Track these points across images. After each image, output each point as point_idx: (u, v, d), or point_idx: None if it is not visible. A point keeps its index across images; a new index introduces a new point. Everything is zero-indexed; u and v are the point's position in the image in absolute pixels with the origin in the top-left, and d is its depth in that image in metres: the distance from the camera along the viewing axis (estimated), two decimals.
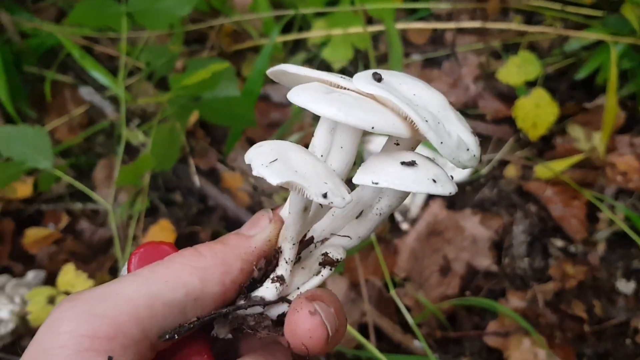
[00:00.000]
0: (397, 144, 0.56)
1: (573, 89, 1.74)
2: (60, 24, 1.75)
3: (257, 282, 0.57)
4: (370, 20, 1.80)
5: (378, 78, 0.53)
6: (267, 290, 0.56)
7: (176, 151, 1.44)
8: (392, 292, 1.28)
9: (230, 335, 0.56)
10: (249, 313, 0.56)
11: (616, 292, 1.41)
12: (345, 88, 0.53)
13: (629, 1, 1.52)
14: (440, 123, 0.51)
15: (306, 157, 0.52)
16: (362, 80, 0.52)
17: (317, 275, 0.58)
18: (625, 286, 1.42)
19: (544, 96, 1.57)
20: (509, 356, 1.30)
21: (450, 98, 1.75)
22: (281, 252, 0.57)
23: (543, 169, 1.55)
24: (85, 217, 1.57)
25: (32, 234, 1.50)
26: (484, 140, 1.68)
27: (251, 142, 1.70)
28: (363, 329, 1.33)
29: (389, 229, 1.54)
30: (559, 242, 1.50)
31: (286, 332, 0.53)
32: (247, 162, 0.50)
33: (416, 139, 0.55)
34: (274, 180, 0.47)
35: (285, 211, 0.59)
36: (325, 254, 0.58)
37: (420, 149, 0.58)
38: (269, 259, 0.58)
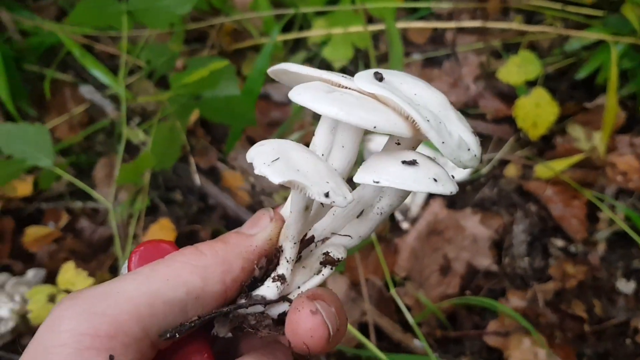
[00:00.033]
0: (398, 144, 0.56)
1: (573, 89, 1.74)
2: (61, 23, 1.75)
3: (258, 281, 0.57)
4: (370, 20, 1.80)
5: (379, 77, 0.53)
6: (268, 289, 0.56)
7: (176, 150, 1.43)
8: (393, 292, 1.28)
9: (230, 334, 0.56)
10: (249, 312, 0.56)
11: (616, 292, 1.41)
12: (346, 87, 0.53)
13: (630, 1, 1.52)
14: (442, 123, 0.51)
15: (308, 156, 0.52)
16: (364, 79, 0.52)
17: (317, 274, 0.58)
18: (626, 286, 1.42)
19: (545, 96, 1.57)
20: (509, 356, 1.30)
21: (451, 97, 1.75)
22: (282, 251, 0.57)
23: (543, 169, 1.55)
24: (86, 216, 1.57)
25: (32, 233, 1.50)
26: (485, 140, 1.68)
27: (251, 141, 1.70)
28: (363, 328, 1.33)
29: (389, 228, 1.54)
30: (559, 242, 1.50)
31: (287, 331, 0.53)
32: (248, 160, 0.50)
33: (417, 139, 0.55)
34: (276, 179, 0.47)
35: (286, 210, 0.59)
36: (327, 253, 0.58)
37: (420, 148, 0.58)
38: (270, 258, 0.58)
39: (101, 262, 1.46)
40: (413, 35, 1.89)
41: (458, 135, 0.52)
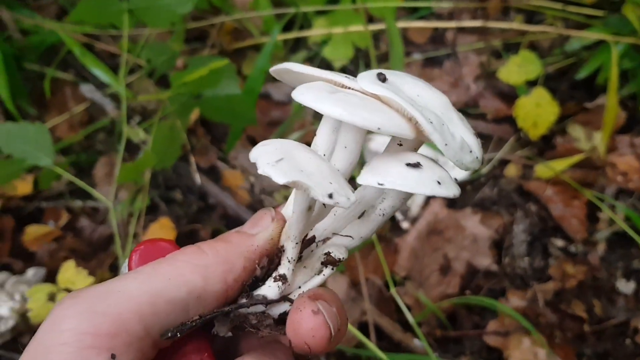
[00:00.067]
0: (400, 145, 0.56)
1: (574, 89, 1.74)
2: (61, 21, 1.75)
3: (259, 281, 0.57)
4: (371, 19, 1.79)
5: (382, 78, 0.53)
6: (270, 289, 0.56)
7: (177, 149, 1.43)
8: (393, 291, 1.28)
9: (230, 334, 0.56)
10: (251, 311, 0.56)
11: (616, 292, 1.41)
12: (349, 88, 0.53)
13: (630, 1, 1.52)
14: (445, 124, 0.51)
15: (311, 156, 0.52)
16: (367, 80, 0.52)
17: (318, 274, 0.58)
18: (625, 286, 1.42)
19: (545, 96, 1.57)
20: (509, 355, 1.30)
21: (451, 97, 1.76)
22: (284, 251, 0.57)
23: (543, 169, 1.55)
24: (86, 215, 1.57)
25: (32, 232, 1.50)
26: (485, 140, 1.68)
27: (252, 140, 1.70)
28: (363, 327, 1.33)
29: (390, 228, 1.54)
30: (559, 242, 1.50)
31: (288, 331, 0.53)
32: (252, 160, 0.50)
33: (419, 140, 0.55)
34: (280, 179, 0.47)
35: (287, 210, 0.59)
36: (328, 254, 0.58)
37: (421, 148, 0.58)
38: (271, 257, 0.58)
39: (101, 261, 1.46)
40: (413, 34, 1.89)
41: (460, 137, 0.52)
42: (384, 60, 1.81)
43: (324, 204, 0.57)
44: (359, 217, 0.59)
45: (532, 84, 1.67)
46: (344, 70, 1.80)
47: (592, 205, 1.52)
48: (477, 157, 0.53)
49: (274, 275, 0.57)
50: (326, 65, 1.78)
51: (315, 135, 0.59)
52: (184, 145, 1.63)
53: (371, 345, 1.15)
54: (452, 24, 1.85)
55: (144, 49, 1.58)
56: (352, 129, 0.54)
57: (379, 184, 0.50)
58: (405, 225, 1.55)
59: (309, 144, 0.57)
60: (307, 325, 0.52)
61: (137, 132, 1.59)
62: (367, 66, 1.80)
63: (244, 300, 0.56)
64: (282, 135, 1.57)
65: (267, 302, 0.56)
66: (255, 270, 0.56)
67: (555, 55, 1.77)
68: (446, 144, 0.50)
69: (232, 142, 1.54)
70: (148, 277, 0.51)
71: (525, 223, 1.52)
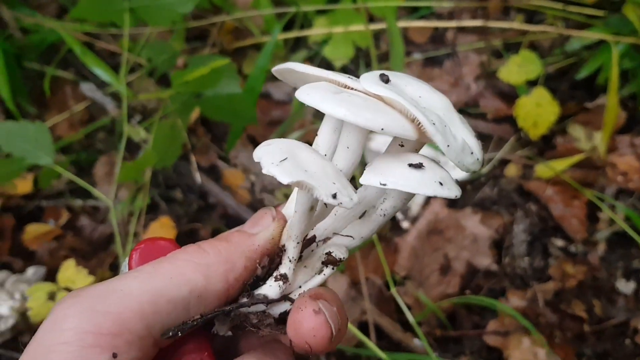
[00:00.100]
0: (402, 146, 0.56)
1: (574, 89, 1.74)
2: (62, 20, 1.75)
3: (260, 280, 0.57)
4: (371, 19, 1.79)
5: (385, 79, 0.53)
6: (270, 289, 0.56)
7: (177, 148, 1.43)
8: (393, 291, 1.28)
9: (230, 333, 0.56)
10: (251, 311, 0.56)
11: (616, 292, 1.41)
12: (352, 88, 0.53)
13: (631, 1, 1.52)
14: (447, 126, 0.51)
15: (315, 156, 0.52)
16: (370, 81, 0.52)
17: (319, 274, 0.58)
18: (625, 286, 1.42)
19: (545, 95, 1.57)
20: (508, 355, 1.30)
21: (451, 97, 1.76)
22: (285, 250, 0.57)
23: (544, 169, 1.55)
24: (86, 214, 1.57)
25: (32, 230, 1.50)
26: (485, 140, 1.68)
27: (252, 140, 1.70)
28: (363, 327, 1.33)
29: (390, 228, 1.54)
30: (559, 242, 1.50)
31: (289, 330, 0.53)
32: (256, 160, 0.50)
33: (421, 141, 0.55)
34: (284, 179, 0.47)
35: (288, 209, 0.59)
36: (329, 253, 0.58)
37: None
38: (272, 257, 0.58)
39: (101, 260, 1.46)
40: (414, 34, 1.89)
41: (462, 139, 0.52)
42: (384, 59, 1.81)
43: (325, 204, 0.58)
44: (360, 217, 0.59)
45: (532, 83, 1.67)
46: (344, 69, 1.80)
47: (592, 205, 1.52)
48: (477, 159, 0.53)
49: (274, 274, 0.57)
50: (326, 64, 1.78)
51: (316, 134, 0.59)
52: (185, 145, 1.63)
53: (371, 344, 1.15)
54: (453, 24, 1.85)
55: (144, 48, 1.58)
56: (355, 129, 0.55)
57: (381, 184, 0.50)
58: (405, 224, 1.55)
59: (309, 144, 0.57)
60: (308, 324, 0.52)
61: (137, 131, 1.59)
62: (368, 66, 1.80)
63: (244, 300, 0.56)
64: (283, 135, 1.57)
65: (268, 302, 0.56)
66: (256, 270, 0.56)
67: (555, 55, 1.77)
68: (448, 146, 0.50)
69: (233, 141, 1.54)
70: (149, 276, 0.51)
71: (525, 223, 1.52)
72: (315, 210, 0.55)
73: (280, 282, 0.56)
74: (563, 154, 1.59)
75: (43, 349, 0.47)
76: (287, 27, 1.82)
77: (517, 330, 1.32)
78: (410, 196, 0.57)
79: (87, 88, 1.76)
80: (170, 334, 0.51)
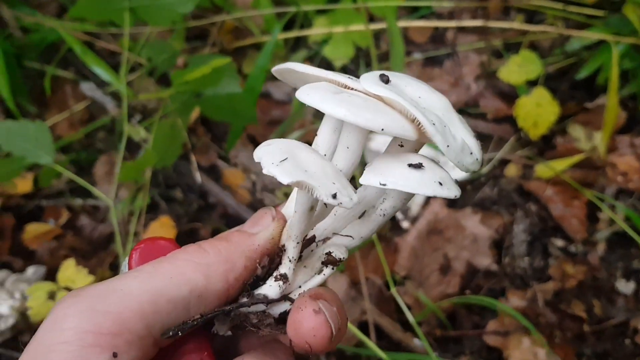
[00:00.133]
0: (401, 146, 0.56)
1: (574, 89, 1.74)
2: (62, 19, 1.75)
3: (260, 280, 0.57)
4: (371, 18, 1.79)
5: (385, 80, 0.53)
6: (270, 289, 0.56)
7: (177, 147, 1.43)
8: (393, 291, 1.28)
9: (230, 333, 0.56)
10: (251, 311, 0.56)
11: (616, 292, 1.41)
12: (352, 88, 0.54)
13: (631, 1, 1.52)
14: (446, 126, 0.52)
15: (315, 156, 0.52)
16: (370, 81, 0.52)
17: (319, 274, 0.58)
18: (625, 286, 1.42)
19: (545, 95, 1.57)
20: (508, 355, 1.30)
21: (451, 97, 1.76)
22: (284, 250, 0.57)
23: (544, 169, 1.55)
24: (86, 213, 1.57)
25: (32, 230, 1.50)
26: (485, 139, 1.68)
27: (252, 139, 1.70)
28: (363, 327, 1.33)
29: (390, 228, 1.54)
30: (559, 242, 1.50)
31: (289, 330, 0.53)
32: (256, 160, 0.50)
33: (420, 141, 0.55)
34: (285, 179, 0.47)
35: (288, 209, 0.59)
36: (329, 253, 0.58)
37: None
38: (272, 257, 0.58)
39: (101, 259, 1.46)
40: (414, 34, 1.89)
41: (461, 139, 0.52)
42: (384, 59, 1.81)
43: (325, 204, 0.58)
44: (360, 217, 0.59)
45: (532, 83, 1.67)
46: (344, 69, 1.80)
47: (592, 205, 1.52)
48: (477, 159, 0.53)
49: (274, 274, 0.57)
50: (327, 64, 1.78)
51: (315, 134, 0.59)
52: (185, 144, 1.63)
53: (371, 344, 1.16)
54: (453, 24, 1.85)
55: (144, 48, 1.58)
56: (355, 129, 0.55)
57: (381, 184, 0.50)
58: (405, 224, 1.55)
59: (309, 144, 0.57)
60: (309, 324, 0.52)
61: (137, 130, 1.59)
62: (368, 66, 1.80)
63: (244, 300, 0.56)
64: (283, 135, 1.57)
65: (268, 302, 0.56)
66: (256, 270, 0.56)
67: (555, 55, 1.77)
68: (448, 146, 0.50)
69: (233, 141, 1.54)
70: (149, 275, 0.51)
71: (525, 223, 1.52)
72: (315, 210, 0.55)
73: (280, 282, 0.56)
74: (563, 154, 1.59)
75: (43, 349, 0.47)
76: (287, 27, 1.82)
77: (517, 330, 1.32)
78: (410, 196, 0.57)
79: (87, 87, 1.76)
80: (171, 333, 0.51)
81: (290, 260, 0.56)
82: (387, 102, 0.52)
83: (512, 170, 1.61)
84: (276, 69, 0.58)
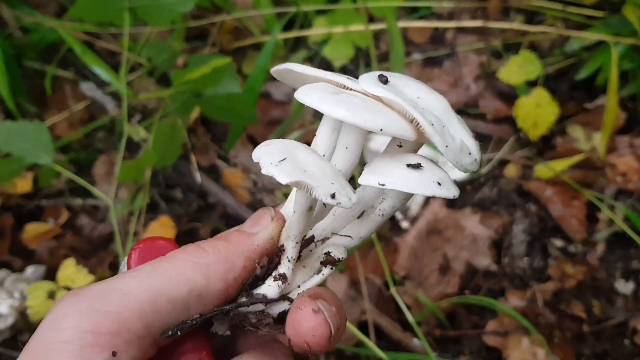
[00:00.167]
0: (400, 146, 0.56)
1: (573, 89, 1.74)
2: (62, 19, 1.75)
3: (259, 280, 0.57)
4: (371, 19, 1.79)
5: (384, 80, 0.53)
6: (269, 288, 0.56)
7: (177, 147, 1.44)
8: (392, 291, 1.28)
9: (229, 332, 0.57)
10: (250, 310, 0.56)
11: (615, 293, 1.41)
12: (351, 89, 0.54)
13: (630, 2, 1.52)
14: (445, 127, 0.52)
15: (313, 157, 0.52)
16: (368, 81, 0.52)
17: (318, 273, 0.58)
18: (624, 286, 1.42)
19: (545, 96, 1.57)
20: (508, 355, 1.30)
21: (451, 97, 1.76)
22: (284, 250, 0.57)
23: (543, 169, 1.55)
24: (85, 213, 1.57)
25: (32, 229, 1.50)
26: (485, 140, 1.68)
27: (252, 139, 1.70)
28: (363, 326, 1.33)
29: (389, 227, 1.55)
30: (559, 242, 1.50)
31: (288, 329, 0.53)
32: (255, 160, 0.50)
33: (419, 142, 0.55)
34: (283, 179, 0.48)
35: (287, 209, 0.59)
36: (328, 253, 0.58)
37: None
38: (271, 256, 0.58)
39: (101, 259, 1.46)
40: (413, 34, 1.89)
41: (460, 140, 0.52)
42: (384, 59, 1.81)
43: (324, 204, 0.58)
44: (358, 217, 0.59)
45: (532, 84, 1.67)
46: (344, 69, 1.80)
47: (592, 206, 1.52)
48: (475, 159, 0.53)
49: (273, 274, 0.57)
50: (326, 64, 1.78)
51: (315, 135, 0.59)
52: (185, 144, 1.63)
53: (371, 344, 1.16)
54: (452, 24, 1.85)
55: (144, 47, 1.58)
56: (354, 129, 0.55)
57: (380, 184, 0.50)
58: (404, 224, 1.55)
59: (308, 144, 0.57)
60: (308, 324, 0.52)
61: (137, 130, 1.59)
62: (368, 66, 1.80)
63: (243, 299, 0.56)
64: (282, 135, 1.57)
65: (267, 301, 0.56)
66: (255, 270, 0.56)
67: (555, 55, 1.77)
68: (447, 146, 0.51)
69: (233, 141, 1.54)
70: (148, 275, 0.51)
71: (524, 223, 1.53)
72: (314, 210, 0.55)
73: (279, 282, 0.56)
74: (562, 155, 1.59)
75: (42, 348, 0.47)
76: (287, 27, 1.82)
77: (517, 330, 1.32)
78: (409, 196, 0.57)
79: (87, 87, 1.76)
80: (170, 333, 0.51)
81: (289, 260, 0.57)
82: (386, 102, 0.52)
83: (511, 171, 1.61)
84: (275, 70, 0.58)
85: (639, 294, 1.41)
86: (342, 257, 0.58)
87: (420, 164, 0.51)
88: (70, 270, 1.28)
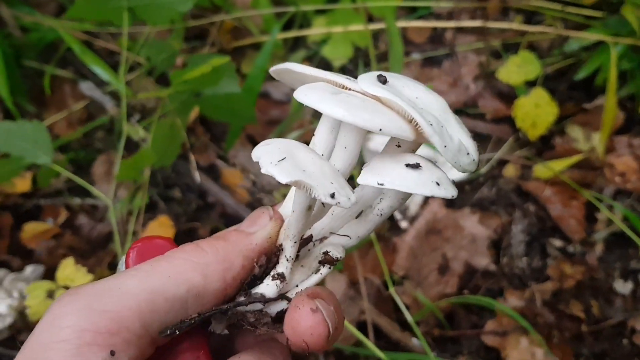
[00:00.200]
0: (399, 146, 0.56)
1: (572, 89, 1.74)
2: (61, 19, 1.74)
3: (258, 279, 0.57)
4: (370, 18, 1.80)
5: (383, 80, 0.53)
6: (268, 288, 0.56)
7: (177, 147, 1.43)
8: (391, 290, 1.28)
9: (226, 331, 0.57)
10: (249, 309, 0.57)
11: (614, 293, 1.42)
12: (350, 89, 0.54)
13: (629, 2, 1.52)
14: (444, 127, 0.52)
15: (313, 156, 0.53)
16: (367, 81, 0.52)
17: (316, 273, 0.58)
18: (623, 286, 1.42)
19: (544, 96, 1.57)
20: (506, 355, 1.30)
21: (450, 97, 1.76)
22: (282, 249, 0.57)
23: (542, 169, 1.55)
24: (84, 213, 1.57)
25: (31, 229, 1.50)
26: (484, 140, 1.68)
27: (251, 139, 1.70)
28: (362, 326, 1.33)
29: (388, 227, 1.55)
30: (558, 242, 1.50)
31: (287, 329, 0.53)
32: (254, 159, 0.50)
33: (417, 142, 0.55)
34: (283, 179, 0.48)
35: (285, 208, 0.59)
36: (326, 253, 0.58)
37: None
38: (270, 256, 0.58)
39: (100, 258, 1.46)
40: (412, 34, 1.89)
41: (458, 140, 0.52)
42: (383, 59, 1.81)
43: (323, 204, 0.58)
44: (357, 217, 0.59)
45: (531, 84, 1.67)
46: (343, 69, 1.80)
47: (591, 206, 1.52)
48: (473, 159, 0.53)
49: (272, 273, 0.57)
50: (325, 64, 1.78)
51: (313, 134, 0.59)
52: (184, 144, 1.63)
53: (369, 344, 1.16)
54: (452, 24, 1.85)
55: (143, 47, 1.58)
56: (353, 129, 0.55)
57: (378, 184, 0.50)
58: (404, 224, 1.55)
59: (307, 143, 0.57)
60: (306, 323, 0.52)
61: (136, 130, 1.59)
62: (367, 66, 1.80)
63: (242, 299, 0.56)
64: (281, 134, 1.57)
65: (265, 301, 0.56)
66: (253, 269, 0.56)
67: (554, 55, 1.77)
68: (445, 146, 0.51)
69: (232, 140, 1.54)
70: (147, 274, 0.51)
71: (523, 223, 1.53)
72: (313, 209, 0.55)
73: (278, 281, 0.56)
74: (561, 155, 1.60)
75: (40, 347, 0.47)
76: (286, 27, 1.82)
77: (515, 330, 1.32)
78: (407, 196, 0.57)
79: (86, 87, 1.76)
80: (168, 332, 0.51)
81: (287, 260, 0.57)
82: (384, 102, 0.52)
83: (510, 171, 1.61)
84: (274, 69, 0.58)
85: (637, 294, 1.42)
86: (341, 257, 0.58)
87: (419, 164, 0.51)
88: (69, 269, 1.28)
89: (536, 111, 1.57)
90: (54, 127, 1.69)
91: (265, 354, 0.55)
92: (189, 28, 1.78)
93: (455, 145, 0.52)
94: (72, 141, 1.66)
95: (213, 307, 0.54)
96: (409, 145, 0.56)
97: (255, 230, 0.57)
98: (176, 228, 1.48)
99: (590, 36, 1.65)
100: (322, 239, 0.60)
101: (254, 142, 1.68)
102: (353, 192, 0.52)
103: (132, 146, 1.63)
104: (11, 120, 1.34)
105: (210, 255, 0.54)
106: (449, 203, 1.57)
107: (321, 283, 0.59)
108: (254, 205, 1.57)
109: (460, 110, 1.74)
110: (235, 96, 1.35)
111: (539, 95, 1.58)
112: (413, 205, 1.57)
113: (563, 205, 1.52)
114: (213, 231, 1.52)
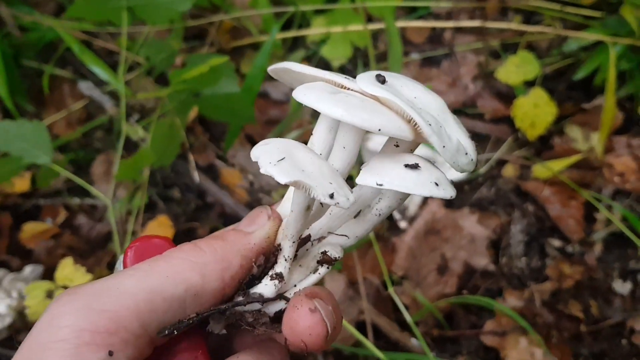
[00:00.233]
0: (397, 146, 0.56)
1: (571, 89, 1.74)
2: (60, 18, 1.74)
3: (256, 279, 0.57)
4: (370, 18, 1.79)
5: (382, 80, 0.53)
6: (266, 287, 0.56)
7: (176, 147, 1.43)
8: (390, 290, 1.28)
9: (224, 331, 0.57)
10: (247, 309, 0.56)
11: (612, 293, 1.42)
12: (349, 88, 0.54)
13: (628, 2, 1.52)
14: (442, 127, 0.52)
15: (312, 156, 0.52)
16: (366, 81, 0.52)
17: (314, 273, 0.58)
18: (622, 287, 1.42)
19: (543, 96, 1.57)
20: (506, 355, 1.30)
21: (449, 97, 1.76)
22: (280, 249, 0.57)
23: (541, 169, 1.55)
24: (83, 212, 1.57)
25: (30, 229, 1.50)
26: (483, 140, 1.68)
27: (250, 139, 1.70)
28: (361, 326, 1.33)
29: (387, 227, 1.55)
30: (556, 242, 1.50)
31: (285, 329, 0.53)
32: (253, 159, 0.50)
33: (416, 142, 0.55)
34: (282, 179, 0.48)
35: (283, 208, 0.59)
36: (324, 252, 0.58)
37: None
38: (268, 255, 0.58)
39: (99, 258, 1.46)
40: (412, 34, 1.89)
41: (456, 140, 0.52)
42: (382, 59, 1.81)
43: (321, 204, 0.58)
44: (355, 217, 0.59)
45: (530, 84, 1.67)
46: (342, 69, 1.80)
47: (589, 206, 1.52)
48: (472, 160, 0.53)
49: (270, 273, 0.57)
50: (324, 64, 1.78)
51: (312, 134, 0.59)
52: (183, 144, 1.63)
53: (369, 344, 1.16)
54: (450, 24, 1.85)
55: (142, 47, 1.58)
56: (352, 129, 0.55)
57: (377, 184, 0.50)
58: (403, 224, 1.55)
59: (306, 143, 0.57)
60: (304, 323, 0.52)
61: (135, 129, 1.59)
62: (366, 66, 1.80)
63: (240, 298, 0.56)
64: (280, 134, 1.57)
65: (264, 300, 0.56)
66: (252, 269, 0.56)
67: (553, 55, 1.77)
68: (444, 146, 0.51)
69: (231, 140, 1.54)
70: (145, 274, 0.51)
71: (522, 223, 1.53)
72: (312, 209, 0.55)
73: (276, 281, 0.56)
74: (560, 155, 1.60)
75: (39, 347, 0.47)
76: (286, 27, 1.82)
77: (514, 330, 1.32)
78: (406, 196, 0.57)
79: (85, 86, 1.76)
80: (166, 332, 0.51)
81: (285, 259, 0.57)
82: (383, 102, 0.52)
83: (509, 171, 1.61)
84: (273, 69, 0.58)
85: (636, 294, 1.42)
86: (339, 256, 0.58)
87: (417, 164, 0.51)
88: (68, 269, 1.28)
89: (535, 111, 1.57)
90: (53, 126, 1.69)
91: (264, 354, 0.55)
92: (188, 28, 1.78)
93: (453, 145, 0.52)
94: (71, 141, 1.66)
95: (211, 307, 0.54)
96: (408, 145, 0.56)
97: (253, 229, 0.57)
98: (175, 228, 1.48)
99: (589, 36, 1.65)
100: (320, 239, 0.60)
101: (253, 142, 1.68)
102: (352, 192, 0.52)
103: (131, 146, 1.63)
104: (10, 120, 1.34)
105: (209, 254, 0.54)
106: (448, 203, 1.57)
107: (320, 283, 0.59)
108: (252, 205, 1.57)
109: (459, 110, 1.74)
110: (234, 96, 1.35)
111: (538, 95, 1.58)
112: (412, 206, 1.57)
113: (562, 205, 1.52)
114: (212, 231, 1.51)
